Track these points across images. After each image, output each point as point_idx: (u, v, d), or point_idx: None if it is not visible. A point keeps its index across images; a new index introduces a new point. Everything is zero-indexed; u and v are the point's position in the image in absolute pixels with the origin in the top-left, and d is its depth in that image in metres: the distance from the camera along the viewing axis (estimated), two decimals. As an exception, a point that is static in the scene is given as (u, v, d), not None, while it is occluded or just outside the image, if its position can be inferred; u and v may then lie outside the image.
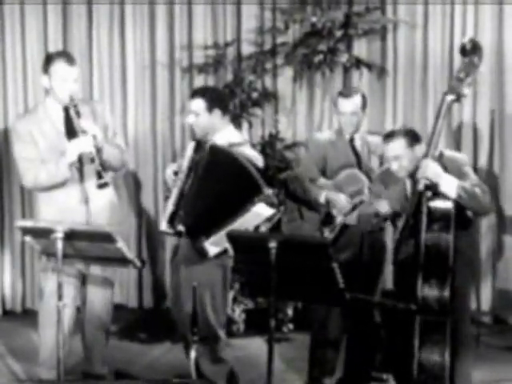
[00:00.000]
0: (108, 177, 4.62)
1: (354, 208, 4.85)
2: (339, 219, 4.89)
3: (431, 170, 4.28)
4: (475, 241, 4.57)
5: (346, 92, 5.06)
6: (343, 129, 5.02)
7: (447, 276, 4.26)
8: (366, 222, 4.70)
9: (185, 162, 4.60)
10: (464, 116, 6.20)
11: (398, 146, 4.42)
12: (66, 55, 4.79)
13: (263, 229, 4.51)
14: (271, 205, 4.44)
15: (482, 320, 6.14)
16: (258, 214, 4.45)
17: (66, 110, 4.64)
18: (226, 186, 4.47)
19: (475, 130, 6.21)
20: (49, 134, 4.68)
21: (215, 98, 4.67)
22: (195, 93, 4.79)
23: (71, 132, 4.61)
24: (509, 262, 6.26)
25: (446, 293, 4.25)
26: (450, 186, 4.26)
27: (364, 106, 5.02)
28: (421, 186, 4.28)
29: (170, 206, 4.55)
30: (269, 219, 4.50)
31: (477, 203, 4.30)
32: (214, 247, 4.49)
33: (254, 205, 4.42)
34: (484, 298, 6.24)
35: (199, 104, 4.65)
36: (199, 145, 4.59)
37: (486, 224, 6.20)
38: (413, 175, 4.41)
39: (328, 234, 4.88)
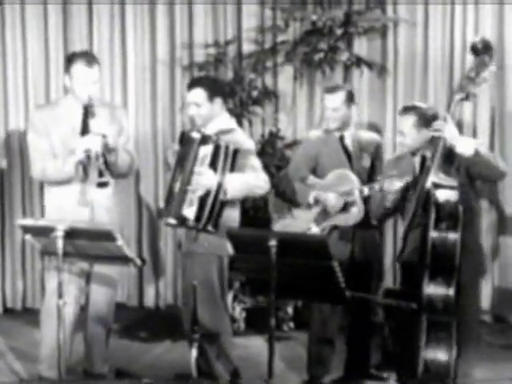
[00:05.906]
0: (109, 177, 4.60)
1: (344, 208, 4.82)
2: (330, 220, 4.88)
3: (448, 132, 4.25)
4: (479, 238, 4.53)
5: (329, 88, 5.03)
6: (327, 123, 5.00)
7: (453, 276, 4.24)
8: (377, 207, 4.67)
9: (171, 157, 4.65)
10: (464, 114, 6.19)
11: (407, 122, 4.41)
12: (87, 56, 4.76)
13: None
14: None
15: (483, 318, 6.14)
16: None
17: (85, 109, 4.65)
18: None
19: (475, 128, 6.21)
20: (64, 131, 4.68)
21: (215, 87, 4.67)
22: (194, 83, 4.76)
23: (84, 131, 4.63)
24: (509, 260, 6.26)
25: (452, 292, 4.23)
26: (466, 144, 4.26)
27: (349, 101, 4.94)
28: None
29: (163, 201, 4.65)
30: None
31: (492, 164, 4.28)
32: (188, 208, 4.49)
33: None
34: (484, 296, 6.23)
35: (199, 94, 4.63)
36: (183, 136, 4.60)
37: (487, 222, 6.21)
38: (416, 153, 4.41)
39: (316, 231, 4.85)
